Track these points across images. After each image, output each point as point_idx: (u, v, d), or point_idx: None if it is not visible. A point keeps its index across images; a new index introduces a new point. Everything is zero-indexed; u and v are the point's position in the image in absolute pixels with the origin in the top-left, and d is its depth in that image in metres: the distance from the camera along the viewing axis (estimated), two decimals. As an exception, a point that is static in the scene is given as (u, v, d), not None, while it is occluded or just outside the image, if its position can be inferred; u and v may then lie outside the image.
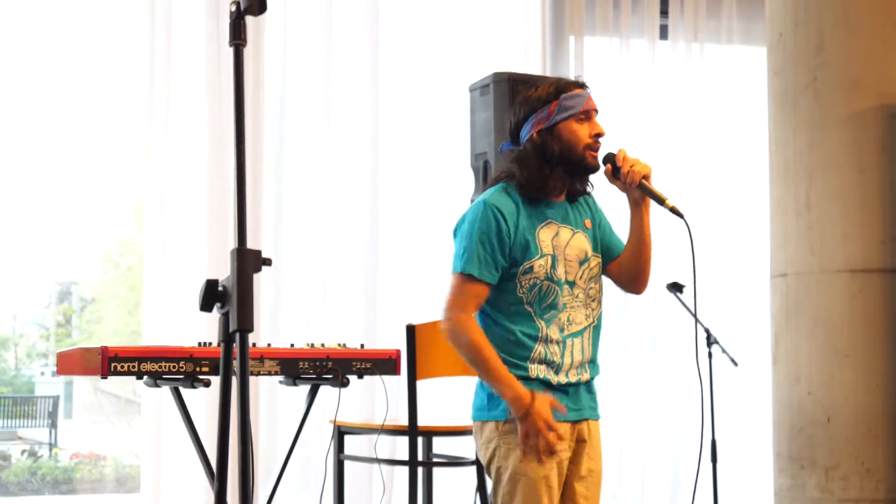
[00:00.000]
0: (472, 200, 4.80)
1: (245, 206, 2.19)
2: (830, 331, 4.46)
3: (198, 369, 3.60)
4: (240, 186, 2.19)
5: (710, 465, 5.42)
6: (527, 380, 3.10)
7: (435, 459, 4.70)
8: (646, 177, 3.13)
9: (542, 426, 3.01)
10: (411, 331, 4.15)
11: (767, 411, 4.76)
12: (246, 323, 2.16)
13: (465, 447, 4.61)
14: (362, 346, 4.09)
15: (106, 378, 3.50)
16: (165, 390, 3.73)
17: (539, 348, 3.12)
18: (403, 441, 4.44)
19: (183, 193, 5.35)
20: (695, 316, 3.46)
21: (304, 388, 4.04)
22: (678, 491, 6.09)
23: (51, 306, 11.56)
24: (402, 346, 4.14)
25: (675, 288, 5.44)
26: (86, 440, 10.78)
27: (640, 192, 3.15)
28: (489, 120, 4.68)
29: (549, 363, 3.13)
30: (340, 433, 4.54)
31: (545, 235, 3.15)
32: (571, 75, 5.91)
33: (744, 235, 6.27)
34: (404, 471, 4.58)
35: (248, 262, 2.17)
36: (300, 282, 5.50)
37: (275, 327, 5.39)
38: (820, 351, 4.47)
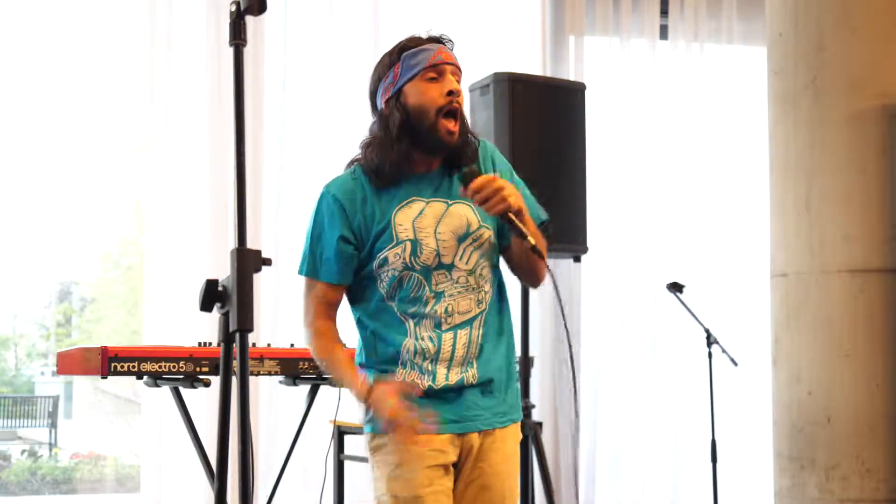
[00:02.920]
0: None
1: (245, 206, 2.19)
2: (830, 331, 4.46)
3: (198, 369, 3.59)
4: (240, 186, 2.19)
5: (710, 465, 5.42)
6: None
7: (435, 459, 4.70)
8: (518, 213, 2.58)
9: (383, 413, 2.54)
10: (411, 331, 4.14)
11: (767, 411, 4.76)
12: (246, 323, 2.16)
13: (465, 447, 4.60)
14: (362, 346, 4.08)
15: (106, 378, 3.49)
16: (165, 390, 3.73)
17: (408, 346, 2.66)
18: (403, 441, 4.43)
19: (183, 193, 5.34)
20: (569, 346, 2.95)
21: (304, 388, 4.04)
22: (678, 491, 6.08)
23: (51, 306, 11.56)
24: (402, 346, 4.13)
25: (675, 288, 5.44)
26: (86, 440, 10.78)
27: (504, 222, 2.61)
28: (489, 120, 4.68)
29: (419, 367, 2.66)
30: (340, 433, 4.54)
31: (404, 218, 2.66)
32: (571, 75, 5.92)
33: (744, 235, 6.28)
34: (404, 471, 4.57)
35: (248, 262, 2.17)
36: (300, 282, 5.48)
37: (275, 327, 5.39)
38: (820, 351, 4.47)
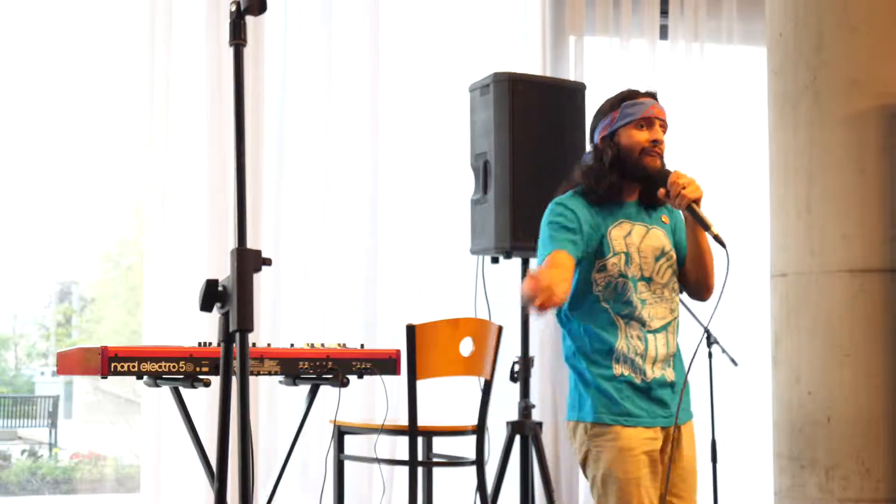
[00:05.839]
0: (473, 201, 4.80)
1: (245, 206, 2.19)
2: (830, 331, 4.46)
3: (198, 369, 3.59)
4: (240, 186, 2.19)
5: (711, 465, 5.42)
6: (611, 378, 3.20)
7: (435, 459, 4.70)
8: (696, 201, 3.13)
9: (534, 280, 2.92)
10: (411, 331, 4.15)
11: (767, 411, 4.76)
12: (246, 323, 2.16)
13: (465, 447, 4.61)
14: (362, 346, 4.09)
15: (106, 378, 3.49)
16: (165, 390, 3.73)
17: (620, 345, 3.20)
18: (403, 441, 4.44)
19: (183, 193, 5.34)
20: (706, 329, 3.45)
21: (304, 388, 4.04)
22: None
23: (51, 306, 11.56)
24: (402, 346, 4.14)
25: (676, 288, 5.43)
26: (86, 440, 10.77)
27: (688, 213, 3.17)
28: (489, 120, 4.68)
29: (631, 361, 3.20)
30: (340, 433, 4.54)
31: (617, 234, 3.23)
32: (571, 75, 5.92)
33: (744, 235, 6.27)
34: (404, 471, 4.58)
35: (248, 262, 2.17)
36: (300, 282, 5.49)
37: (275, 327, 5.39)
38: (820, 351, 4.47)
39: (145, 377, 3.60)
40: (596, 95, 5.66)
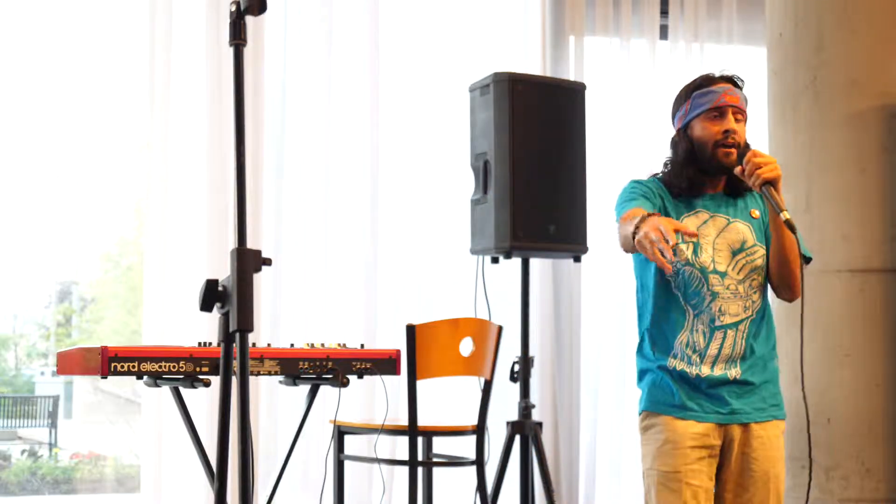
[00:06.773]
0: (473, 201, 4.80)
1: (245, 206, 2.19)
2: (830, 331, 4.46)
3: (198, 369, 3.59)
4: (240, 186, 2.19)
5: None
6: (665, 369, 3.12)
7: (435, 459, 4.70)
8: (772, 182, 2.96)
9: (651, 232, 2.79)
10: (411, 331, 4.15)
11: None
12: (246, 323, 2.16)
13: (465, 447, 4.61)
14: (362, 346, 4.09)
15: (106, 378, 3.49)
16: (165, 390, 3.72)
17: (683, 337, 3.11)
18: (403, 441, 4.44)
19: (183, 193, 5.34)
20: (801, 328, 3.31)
21: (304, 388, 4.04)
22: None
23: (51, 306, 11.55)
24: (402, 346, 4.14)
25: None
26: (86, 440, 10.77)
27: (763, 194, 3.02)
28: (489, 120, 4.68)
29: (688, 358, 3.10)
30: (340, 433, 4.55)
31: (690, 223, 3.13)
32: (571, 75, 5.92)
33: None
34: (404, 471, 4.58)
35: (248, 262, 2.17)
36: (300, 282, 5.49)
37: (275, 327, 5.39)
38: (820, 351, 4.47)
39: (145, 377, 3.59)
40: (596, 95, 5.70)
